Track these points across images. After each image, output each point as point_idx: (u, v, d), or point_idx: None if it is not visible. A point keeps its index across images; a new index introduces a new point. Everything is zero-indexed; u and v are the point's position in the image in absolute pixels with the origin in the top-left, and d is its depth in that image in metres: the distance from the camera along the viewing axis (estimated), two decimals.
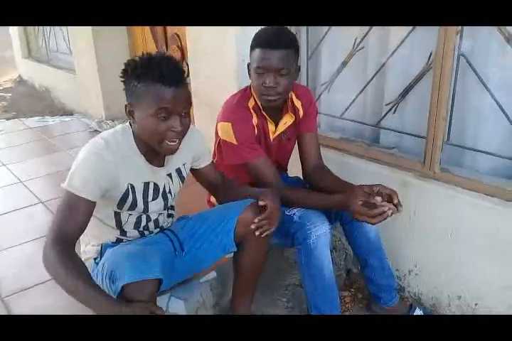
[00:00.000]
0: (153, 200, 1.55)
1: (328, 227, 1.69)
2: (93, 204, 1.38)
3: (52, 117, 4.92)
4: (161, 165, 1.54)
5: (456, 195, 1.86)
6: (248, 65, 1.76)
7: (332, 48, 2.38)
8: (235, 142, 1.76)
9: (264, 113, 1.81)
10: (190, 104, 1.43)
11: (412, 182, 1.99)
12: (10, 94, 6.03)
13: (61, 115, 5.02)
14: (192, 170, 1.71)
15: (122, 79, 1.39)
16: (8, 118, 4.94)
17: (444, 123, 1.88)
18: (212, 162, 1.76)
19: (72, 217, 1.34)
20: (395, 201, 1.58)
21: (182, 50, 3.69)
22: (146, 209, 1.54)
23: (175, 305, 1.77)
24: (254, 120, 1.80)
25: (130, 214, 1.54)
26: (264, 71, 1.67)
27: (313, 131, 1.95)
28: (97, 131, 4.23)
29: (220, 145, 1.83)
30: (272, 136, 1.88)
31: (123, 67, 1.38)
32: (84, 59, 4.39)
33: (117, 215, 1.53)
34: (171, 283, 1.67)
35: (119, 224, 1.55)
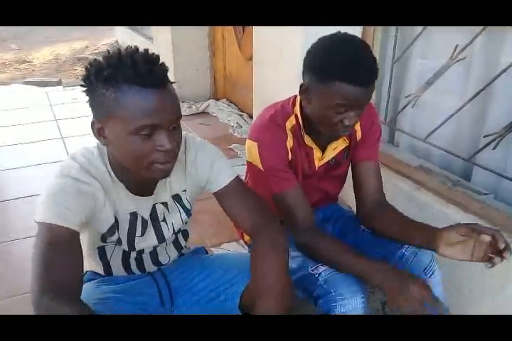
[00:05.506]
0: (141, 236, 1.23)
1: (360, 301, 1.24)
2: (78, 234, 1.05)
3: None
4: (148, 193, 1.20)
5: None
6: (302, 87, 1.31)
7: (425, 54, 1.86)
8: (260, 167, 1.39)
9: (306, 136, 1.41)
10: (179, 111, 1.05)
11: None
12: None
13: None
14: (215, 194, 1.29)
15: (84, 89, 1.02)
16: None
17: None
18: (238, 181, 1.27)
19: (60, 259, 0.99)
20: (501, 245, 1.14)
21: None
22: (132, 248, 1.24)
23: None
24: (289, 142, 1.40)
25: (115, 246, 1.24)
26: (347, 109, 1.26)
27: (373, 159, 1.50)
28: None
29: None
30: (317, 164, 1.48)
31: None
32: (160, 30, 4.12)
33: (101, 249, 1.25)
34: None
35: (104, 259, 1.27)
